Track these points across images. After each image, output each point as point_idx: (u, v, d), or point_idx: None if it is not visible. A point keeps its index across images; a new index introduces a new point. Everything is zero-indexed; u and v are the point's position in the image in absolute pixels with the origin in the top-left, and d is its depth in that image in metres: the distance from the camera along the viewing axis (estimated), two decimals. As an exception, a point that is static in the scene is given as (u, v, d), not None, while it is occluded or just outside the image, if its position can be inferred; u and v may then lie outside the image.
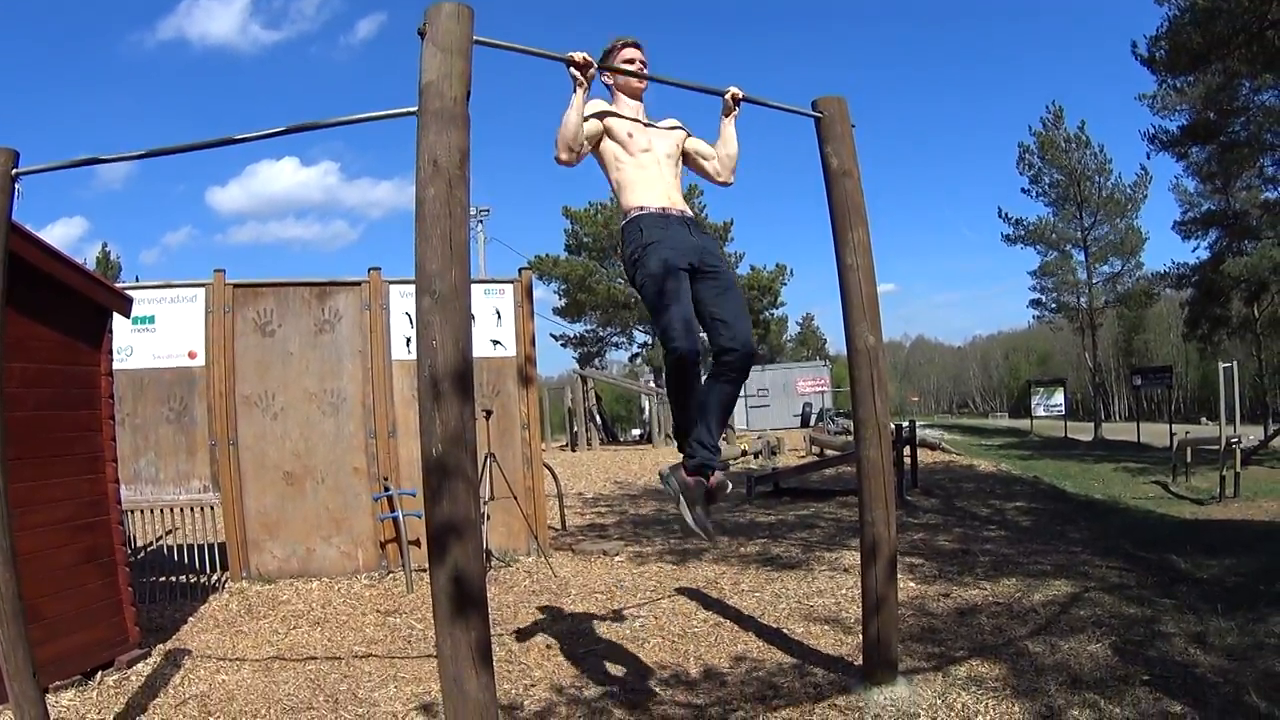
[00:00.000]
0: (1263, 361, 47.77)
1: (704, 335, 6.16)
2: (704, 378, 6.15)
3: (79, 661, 7.91)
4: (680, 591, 10.85)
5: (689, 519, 6.16)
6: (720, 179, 6.81)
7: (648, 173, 6.26)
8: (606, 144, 6.31)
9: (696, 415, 6.07)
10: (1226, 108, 37.31)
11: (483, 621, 4.64)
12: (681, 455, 6.29)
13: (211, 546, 11.96)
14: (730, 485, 6.41)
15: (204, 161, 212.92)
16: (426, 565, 5.05)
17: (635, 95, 6.52)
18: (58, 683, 7.62)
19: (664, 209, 6.13)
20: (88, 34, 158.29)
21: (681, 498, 6.15)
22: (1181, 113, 40.37)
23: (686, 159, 6.74)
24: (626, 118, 6.41)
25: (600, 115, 6.30)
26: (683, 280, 5.87)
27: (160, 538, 12.05)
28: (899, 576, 7.83)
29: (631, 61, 6.41)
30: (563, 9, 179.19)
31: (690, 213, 6.38)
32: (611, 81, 6.48)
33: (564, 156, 5.93)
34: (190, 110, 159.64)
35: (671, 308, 5.77)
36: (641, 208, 6.11)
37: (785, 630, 8.91)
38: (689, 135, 6.75)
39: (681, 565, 12.39)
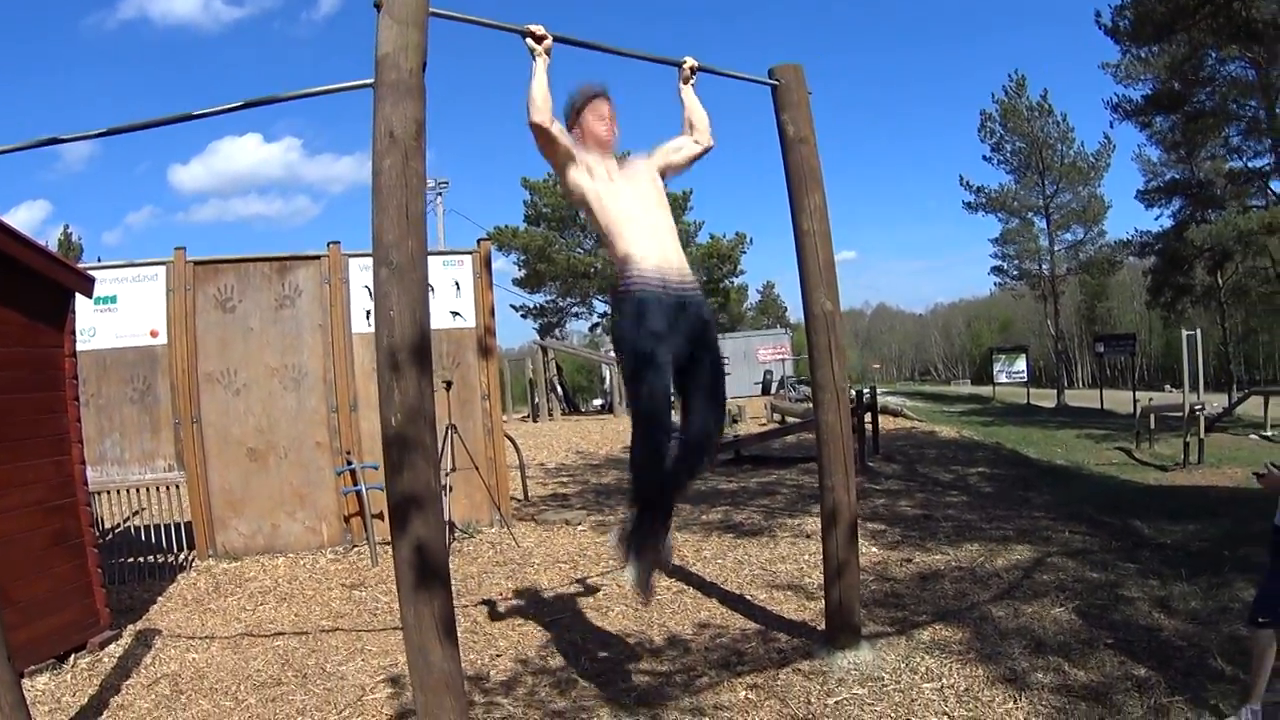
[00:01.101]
0: (1227, 330, 48.04)
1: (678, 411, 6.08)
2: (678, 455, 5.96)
3: (52, 645, 7.92)
4: (643, 559, 10.79)
5: (630, 577, 6.02)
6: (703, 145, 6.64)
7: (640, 224, 5.94)
8: (584, 182, 6.00)
9: (664, 498, 6.02)
10: (1192, 77, 37.52)
11: (446, 593, 4.66)
12: (634, 512, 6.12)
13: (178, 525, 11.93)
14: (671, 560, 6.38)
15: (166, 140, 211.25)
16: (390, 537, 5.04)
17: (606, 148, 6.24)
18: (32, 667, 7.64)
19: (664, 278, 5.78)
20: (49, 14, 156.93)
21: (632, 555, 5.97)
22: (1145, 82, 40.57)
23: (668, 170, 6.55)
24: (603, 164, 6.15)
25: (573, 141, 6.09)
26: (665, 364, 5.66)
27: (128, 519, 12.02)
28: (861, 542, 7.88)
29: (602, 116, 6.23)
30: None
31: (690, 276, 6.03)
32: (580, 138, 6.21)
33: (536, 118, 5.70)
34: (154, 89, 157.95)
35: (646, 389, 5.63)
36: (639, 273, 5.75)
37: (748, 597, 8.98)
38: (651, 155, 6.53)
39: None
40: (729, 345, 57.01)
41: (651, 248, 5.84)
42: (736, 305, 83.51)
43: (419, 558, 4.53)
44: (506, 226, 64.96)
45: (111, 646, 8.46)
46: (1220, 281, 42.79)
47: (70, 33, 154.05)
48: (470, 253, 13.51)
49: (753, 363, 58.33)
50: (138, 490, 11.89)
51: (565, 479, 19.35)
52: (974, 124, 58.20)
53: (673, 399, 5.81)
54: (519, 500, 15.63)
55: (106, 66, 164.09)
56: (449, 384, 12.22)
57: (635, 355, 5.70)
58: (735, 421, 30.46)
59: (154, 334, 12.08)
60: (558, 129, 5.89)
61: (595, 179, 6.00)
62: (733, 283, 74.76)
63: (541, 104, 5.72)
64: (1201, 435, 20.32)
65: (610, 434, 29.27)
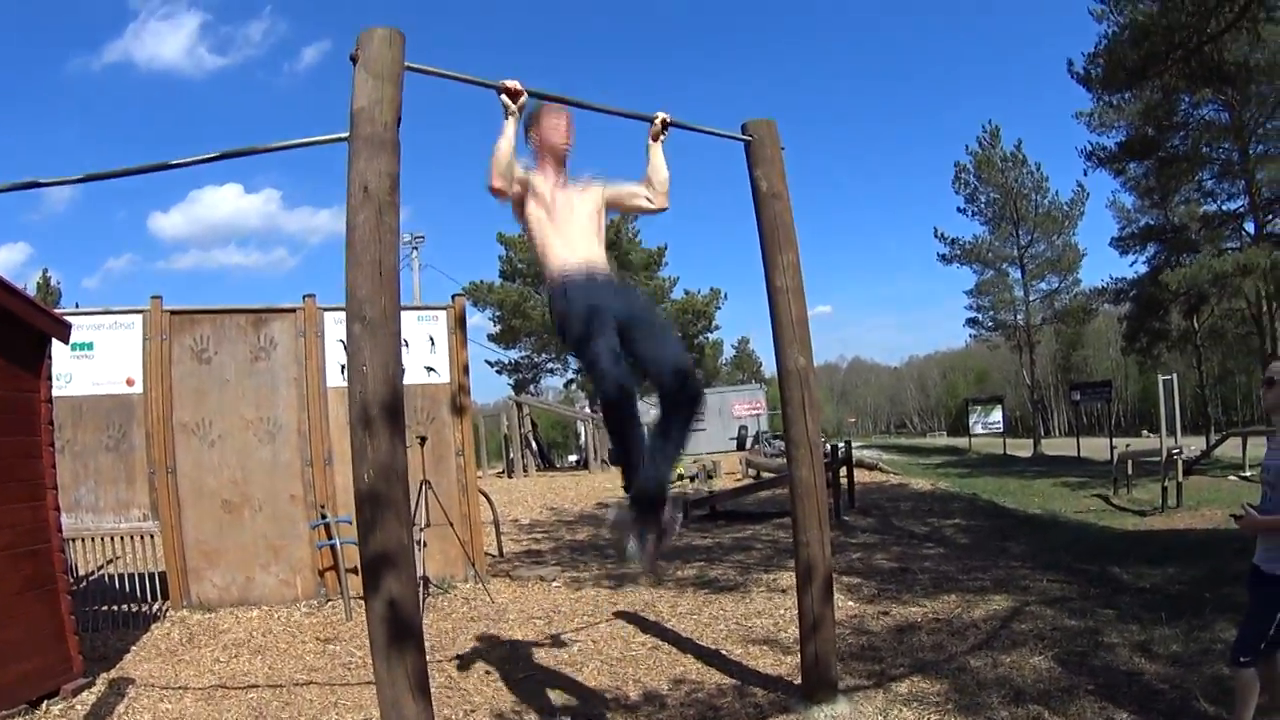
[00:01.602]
0: (1203, 373, 48.21)
1: (646, 378, 6.09)
2: (654, 417, 6.06)
3: (24, 690, 7.83)
4: (618, 615, 10.86)
5: (635, 554, 6.01)
6: (654, 205, 6.67)
7: (569, 238, 6.15)
8: (531, 208, 6.19)
9: (646, 451, 5.94)
10: (1165, 123, 37.80)
11: (419, 649, 4.66)
12: (626, 490, 6.09)
13: (152, 575, 11.82)
14: (680, 520, 6.32)
15: (147, 187, 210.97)
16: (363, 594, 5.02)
17: (560, 159, 6.39)
18: (4, 712, 7.57)
19: (589, 269, 6.04)
20: (33, 56, 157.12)
21: (628, 533, 5.99)
22: (1119, 129, 40.92)
23: (614, 205, 6.64)
24: (550, 181, 6.29)
25: (526, 169, 6.20)
26: (606, 326, 5.74)
27: (101, 567, 11.94)
28: (837, 596, 7.89)
29: (558, 123, 6.32)
30: (495, 35, 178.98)
31: (611, 271, 6.31)
32: (537, 147, 6.37)
33: (496, 184, 5.81)
34: (137, 134, 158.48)
35: (594, 348, 5.67)
36: (564, 272, 6.01)
37: (724, 651, 8.94)
38: (606, 185, 6.61)
39: (618, 589, 12.38)
40: (705, 401, 57.15)
41: (576, 255, 6.05)
42: (711, 361, 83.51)
43: (392, 614, 4.53)
44: (482, 281, 65.04)
45: (84, 694, 8.36)
46: (1196, 325, 43.02)
47: (54, 76, 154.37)
48: (445, 308, 13.49)
49: (728, 418, 58.39)
50: (112, 538, 11.76)
51: (540, 535, 19.32)
52: (948, 176, 58.65)
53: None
54: (493, 556, 15.57)
55: (90, 110, 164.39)
56: (423, 439, 12.19)
57: (576, 324, 5.81)
58: (710, 477, 30.51)
59: (130, 382, 12.01)
60: (516, 184, 5.99)
61: (540, 206, 6.16)
62: (707, 338, 74.85)
63: (504, 167, 5.81)
64: (1179, 479, 20.40)
65: (585, 490, 29.30)
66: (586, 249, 6.12)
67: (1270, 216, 37.72)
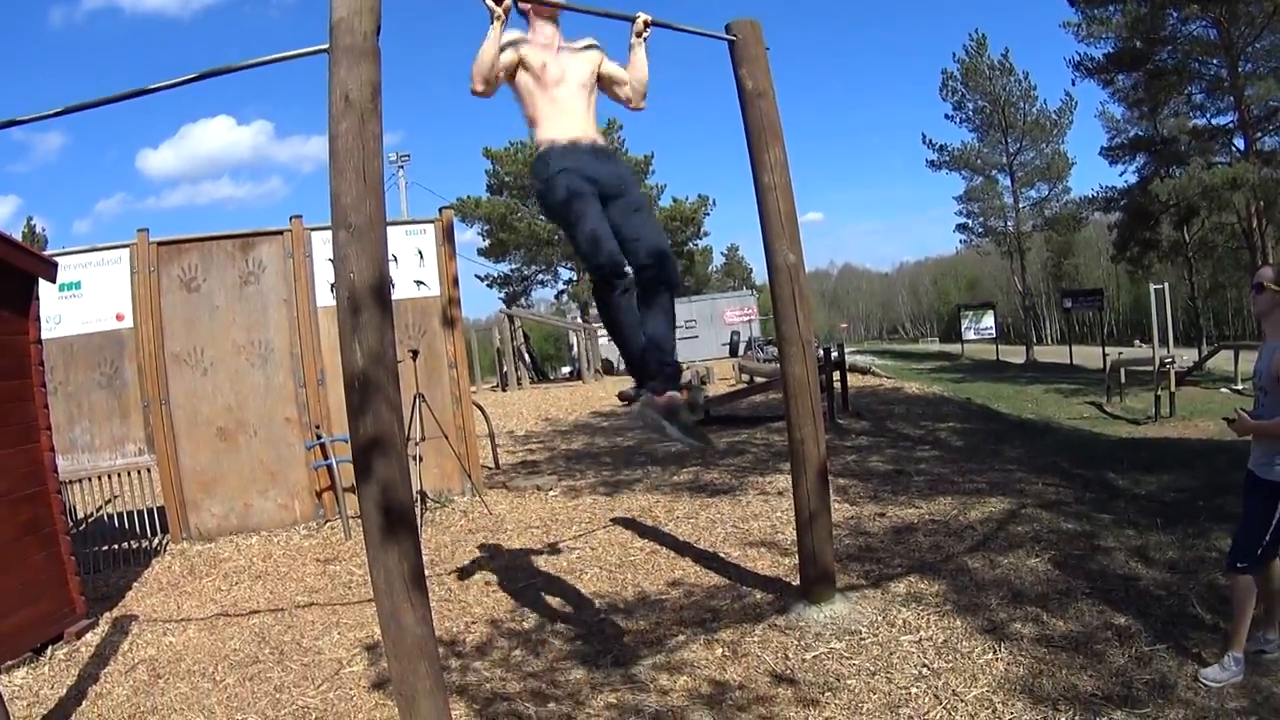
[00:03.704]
0: (1195, 285, 48.25)
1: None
2: (638, 301, 6.02)
3: (28, 638, 7.85)
4: (615, 522, 10.90)
5: (678, 435, 6.06)
6: (633, 105, 6.65)
7: (560, 105, 6.14)
8: (521, 76, 6.15)
9: (645, 335, 6.00)
10: (1153, 36, 37.64)
11: (413, 542, 4.66)
12: (638, 382, 6.17)
13: (151, 510, 11.88)
14: (703, 390, 6.30)
15: (135, 124, 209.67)
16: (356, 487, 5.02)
17: (552, 19, 6.32)
18: (9, 662, 7.61)
19: (574, 140, 6.03)
20: (16, 5, 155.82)
21: (664, 421, 6.02)
22: (1107, 40, 40.67)
23: (601, 82, 6.56)
24: (541, 45, 6.23)
25: (515, 44, 6.12)
26: (591, 200, 5.81)
27: (100, 507, 11.95)
28: (833, 498, 7.91)
29: None
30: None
31: (601, 141, 6.28)
32: (527, 9, 6.26)
33: (479, 88, 5.82)
34: (124, 78, 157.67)
35: (581, 224, 5.73)
36: (551, 141, 6.01)
37: (722, 554, 9.00)
38: (605, 58, 6.56)
39: (615, 497, 12.42)
40: (695, 308, 57.03)
41: (564, 124, 6.07)
42: (701, 268, 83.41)
43: (385, 501, 4.54)
44: (469, 197, 64.82)
45: (88, 635, 8.39)
46: (1187, 237, 43.01)
47: (39, 24, 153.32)
48: (432, 221, 13.42)
49: (719, 325, 58.32)
50: (109, 477, 11.80)
51: (535, 446, 19.30)
52: (936, 83, 58.48)
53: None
54: (490, 468, 15.59)
55: (76, 57, 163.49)
56: (415, 353, 12.16)
57: (561, 198, 5.85)
58: (704, 383, 30.46)
59: (119, 318, 11.98)
60: (500, 79, 5.99)
61: (530, 73, 6.13)
62: (697, 245, 74.66)
63: (487, 73, 5.80)
64: (1172, 389, 20.49)
65: (579, 400, 29.29)
66: (576, 118, 6.14)
67: (1259, 134, 37.63)
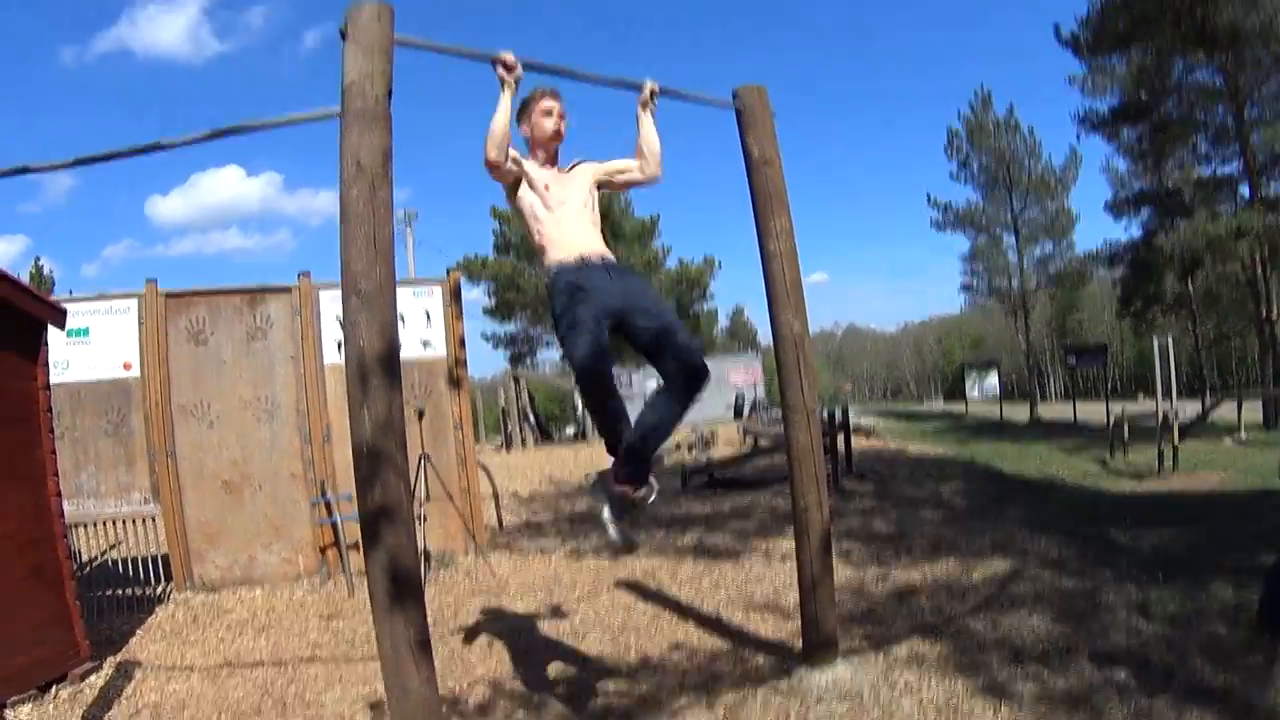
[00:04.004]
0: (1198, 336, 48.29)
1: (652, 363, 6.11)
2: (653, 392, 6.11)
3: (33, 676, 7.88)
4: (619, 584, 10.91)
5: (611, 529, 6.08)
6: (646, 175, 6.66)
7: (566, 228, 6.17)
8: (525, 195, 6.21)
9: (636, 425, 5.98)
10: (1158, 87, 37.73)
11: (418, 605, 4.71)
12: (612, 460, 6.14)
13: (155, 558, 11.91)
14: (654, 496, 6.35)
15: (145, 172, 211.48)
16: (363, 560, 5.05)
17: (552, 149, 6.42)
18: (14, 698, 7.64)
19: (583, 256, 6.03)
20: (28, 46, 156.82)
21: (605, 506, 6.09)
22: (1112, 93, 40.79)
23: (605, 185, 6.64)
24: (543, 167, 6.33)
25: (519, 159, 6.19)
26: (599, 317, 5.74)
27: (105, 552, 11.98)
28: (836, 561, 7.88)
29: (550, 113, 6.33)
30: (485, 9, 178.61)
31: (610, 256, 6.26)
32: (528, 137, 6.39)
33: (493, 156, 5.80)
34: (136, 122, 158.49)
35: (577, 332, 5.68)
36: (561, 262, 6.02)
37: (725, 617, 8.98)
38: (596, 167, 6.62)
39: (618, 559, 12.31)
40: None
41: (571, 246, 6.06)
42: (706, 330, 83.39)
43: (392, 572, 4.58)
44: (476, 256, 64.91)
45: (92, 678, 8.42)
46: (1191, 288, 43.02)
47: (50, 64, 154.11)
48: (439, 282, 13.51)
49: (724, 387, 58.24)
50: (114, 523, 11.85)
51: (539, 507, 19.34)
52: (941, 142, 58.56)
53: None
54: (494, 529, 15.54)
55: (86, 98, 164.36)
56: (421, 413, 12.23)
57: (568, 318, 5.80)
58: (708, 445, 30.51)
59: (127, 366, 12.04)
60: (510, 164, 5.99)
61: (535, 193, 6.17)
62: (702, 308, 74.76)
63: (501, 140, 5.80)
64: (1175, 442, 20.41)
65: (584, 461, 29.19)
66: (581, 238, 6.13)
67: (1265, 179, 37.73)
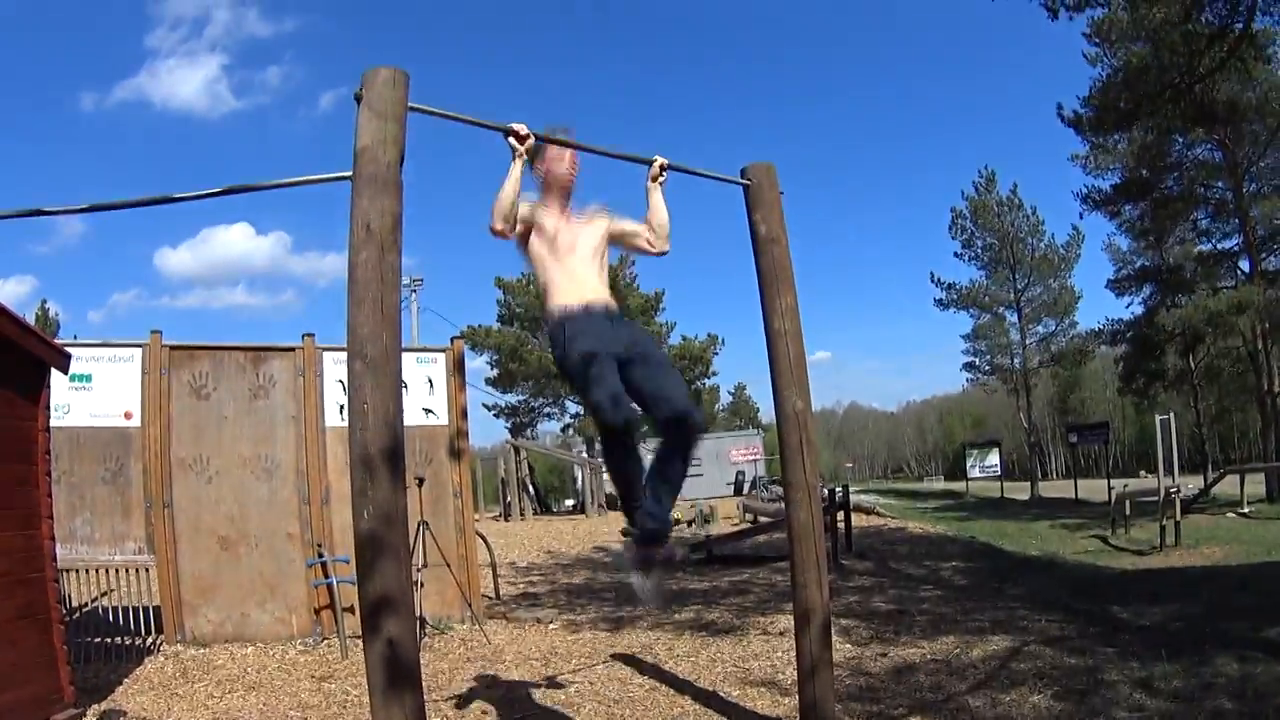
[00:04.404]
0: (1200, 412, 48.40)
1: (645, 413, 6.05)
2: (653, 451, 6.06)
3: (13, 718, 7.79)
4: (615, 657, 10.81)
5: (641, 590, 6.11)
6: (655, 249, 6.69)
7: (572, 274, 6.18)
8: (534, 243, 6.23)
9: (646, 486, 6.00)
10: (1159, 164, 38.20)
11: (417, 691, 4.65)
12: (629, 525, 6.18)
13: (147, 609, 11.78)
14: (680, 554, 6.34)
15: (157, 224, 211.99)
16: (361, 632, 5.01)
17: (565, 191, 6.42)
18: (-7, 739, 7.54)
19: (586, 305, 6.04)
20: (47, 90, 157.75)
21: (633, 570, 6.11)
22: (1113, 171, 41.23)
23: (616, 241, 6.67)
24: (554, 213, 6.33)
25: (531, 205, 6.22)
26: (607, 364, 5.77)
27: (95, 599, 11.90)
28: (835, 638, 7.85)
29: (563, 159, 6.36)
30: (498, 79, 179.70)
31: (614, 304, 6.30)
32: (541, 177, 6.39)
33: (499, 226, 5.85)
34: (151, 170, 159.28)
35: (596, 386, 5.69)
36: (565, 307, 6.03)
37: (722, 693, 8.89)
38: (612, 219, 6.63)
39: (615, 632, 12.33)
40: (701, 446, 56.90)
41: (578, 292, 6.08)
42: (709, 407, 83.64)
43: (390, 657, 4.52)
44: (480, 326, 65.18)
45: (75, 725, 8.31)
46: (1192, 364, 43.17)
47: (70, 109, 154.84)
48: (444, 350, 13.60)
49: (725, 463, 58.41)
50: (107, 570, 11.74)
51: (536, 578, 19.31)
52: (945, 222, 58.94)
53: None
54: (490, 598, 15.52)
55: (104, 144, 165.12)
56: (421, 480, 12.22)
57: (574, 361, 5.81)
58: (707, 522, 30.66)
59: (128, 415, 12.00)
60: (519, 226, 6.03)
61: (543, 242, 6.20)
62: (705, 384, 74.99)
63: (507, 211, 5.84)
64: (1177, 518, 20.43)
65: (582, 534, 29.34)
66: (589, 285, 6.13)
67: (1265, 254, 37.94)
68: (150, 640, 11.64)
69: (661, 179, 6.64)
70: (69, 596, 11.19)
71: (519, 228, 6.04)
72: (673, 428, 5.94)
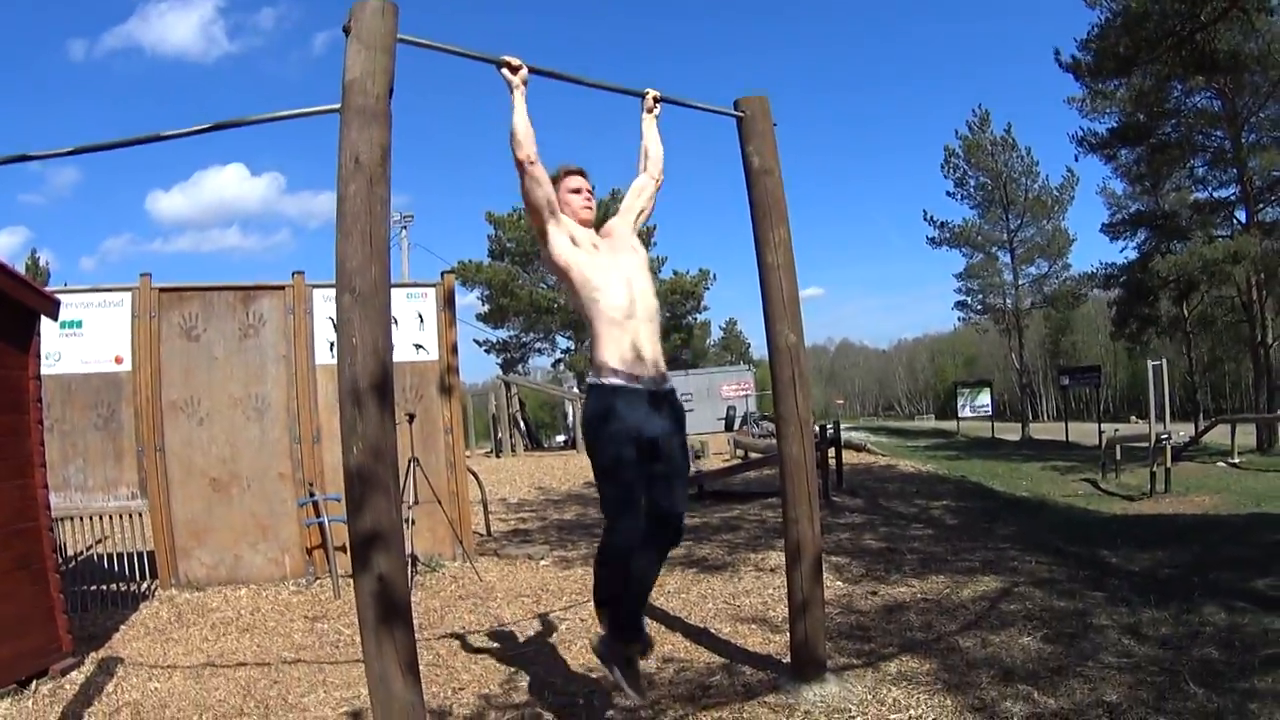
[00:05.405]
0: (1192, 360, 48.40)
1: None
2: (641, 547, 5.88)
3: (12, 670, 7.80)
4: (607, 594, 10.74)
5: (627, 688, 5.99)
6: (654, 184, 6.65)
7: (626, 320, 5.76)
8: (565, 252, 5.89)
9: (631, 591, 5.94)
10: (1157, 110, 37.93)
11: (408, 629, 4.66)
12: (610, 624, 6.10)
13: (141, 554, 11.83)
14: (653, 646, 6.36)
15: (149, 167, 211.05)
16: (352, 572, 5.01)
17: (587, 226, 6.17)
18: (-7, 692, 7.55)
19: (636, 376, 5.71)
20: (36, 38, 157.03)
21: (615, 667, 5.99)
22: (1110, 115, 40.92)
23: (639, 218, 6.56)
24: (582, 225, 6.11)
25: (558, 217, 5.98)
26: (639, 473, 5.65)
27: (90, 547, 11.90)
28: (826, 576, 7.83)
29: (578, 191, 6.23)
30: (489, 13, 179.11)
31: (663, 367, 5.95)
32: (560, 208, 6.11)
33: (525, 151, 5.67)
34: (143, 116, 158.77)
35: (625, 507, 5.64)
36: (614, 371, 5.69)
37: (713, 630, 8.93)
38: (623, 219, 6.48)
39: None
40: (692, 382, 57.17)
41: (628, 346, 5.75)
42: (699, 342, 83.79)
43: (381, 593, 4.53)
44: (470, 261, 65.22)
45: (74, 674, 8.34)
46: (1186, 312, 43.08)
47: (59, 57, 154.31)
48: (434, 285, 13.50)
49: (716, 399, 58.50)
50: (101, 518, 11.77)
51: (528, 514, 19.39)
52: (938, 160, 58.69)
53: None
54: (481, 535, 15.54)
55: (95, 92, 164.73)
56: (411, 417, 12.18)
57: (606, 452, 5.69)
58: (698, 457, 30.42)
59: (118, 360, 11.98)
60: (542, 171, 5.82)
61: (580, 248, 5.95)
62: (695, 319, 75.30)
63: (524, 138, 5.71)
64: (1168, 465, 20.43)
65: (573, 470, 29.28)
66: (645, 346, 5.83)
67: (1261, 205, 37.86)
68: (145, 585, 11.71)
69: (655, 111, 6.67)
70: (64, 545, 11.19)
71: (544, 184, 5.84)
72: (663, 526, 5.91)
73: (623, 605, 5.95)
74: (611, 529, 5.74)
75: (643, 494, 5.70)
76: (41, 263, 67.92)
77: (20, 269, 12.23)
